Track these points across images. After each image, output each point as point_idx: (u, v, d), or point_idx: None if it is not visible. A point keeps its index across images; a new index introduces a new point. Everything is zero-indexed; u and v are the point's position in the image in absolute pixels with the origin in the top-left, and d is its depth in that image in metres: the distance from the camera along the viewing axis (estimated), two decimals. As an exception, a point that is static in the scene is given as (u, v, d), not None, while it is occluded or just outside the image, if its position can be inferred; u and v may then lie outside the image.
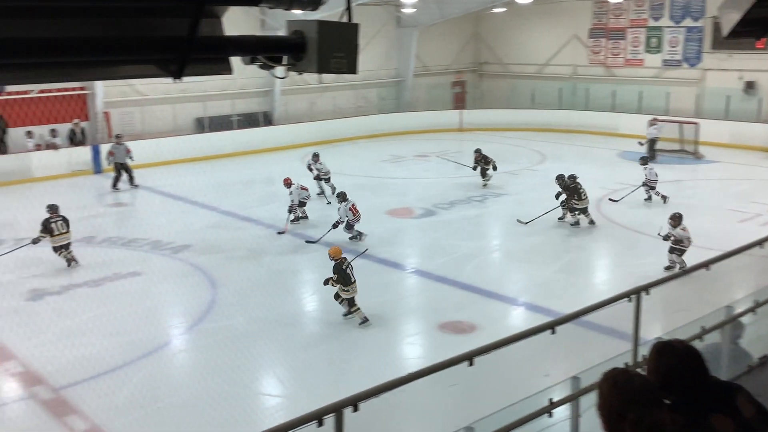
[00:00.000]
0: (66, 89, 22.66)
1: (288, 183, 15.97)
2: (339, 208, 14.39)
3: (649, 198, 17.28)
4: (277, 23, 24.23)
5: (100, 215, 17.29)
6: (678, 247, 12.46)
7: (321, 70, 3.69)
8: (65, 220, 13.39)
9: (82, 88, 23.16)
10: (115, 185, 19.79)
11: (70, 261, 13.36)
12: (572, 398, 4.90)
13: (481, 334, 10.19)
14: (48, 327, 10.35)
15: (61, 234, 13.27)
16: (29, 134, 21.78)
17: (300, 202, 15.92)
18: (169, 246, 14.42)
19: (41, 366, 9.37)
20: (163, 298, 12.06)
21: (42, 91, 22.23)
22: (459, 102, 33.17)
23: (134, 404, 8.50)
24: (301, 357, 9.80)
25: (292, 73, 3.97)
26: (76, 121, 22.70)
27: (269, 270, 13.28)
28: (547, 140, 26.93)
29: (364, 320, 10.67)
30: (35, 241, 13.21)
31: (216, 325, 10.79)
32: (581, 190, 15.26)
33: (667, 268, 12.43)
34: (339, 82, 28.30)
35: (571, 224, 15.48)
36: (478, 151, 19.49)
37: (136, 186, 20.09)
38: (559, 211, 15.64)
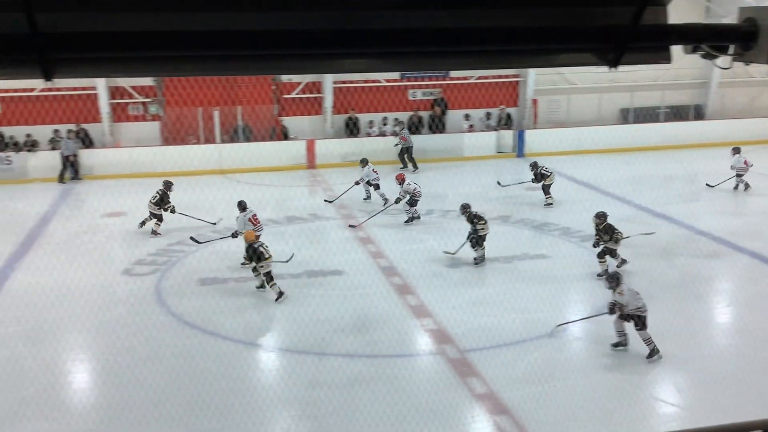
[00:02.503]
0: (501, 76, 24.25)
1: (402, 179, 15.84)
2: (237, 218, 12.81)
3: (736, 187, 17.85)
4: (723, 10, 22.41)
5: (516, 196, 18.12)
6: (633, 313, 9.23)
7: (773, 61, 3.33)
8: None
9: (516, 76, 24.55)
10: (405, 166, 21.37)
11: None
12: None
13: None
14: (461, 293, 11.32)
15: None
16: (467, 117, 23.95)
17: (411, 200, 15.56)
18: (578, 234, 14.55)
19: (452, 327, 10.33)
20: (567, 284, 12.25)
21: (480, 78, 24.17)
22: None
23: (531, 380, 8.86)
24: (702, 371, 9.11)
25: (736, 64, 3.66)
26: (501, 107, 24.24)
27: (682, 272, 12.53)
28: None
29: (280, 295, 10.97)
30: (169, 210, 14.89)
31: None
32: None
33: (615, 345, 9.50)
34: (790, 76, 25.01)
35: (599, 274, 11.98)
36: (534, 164, 17.12)
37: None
38: None
